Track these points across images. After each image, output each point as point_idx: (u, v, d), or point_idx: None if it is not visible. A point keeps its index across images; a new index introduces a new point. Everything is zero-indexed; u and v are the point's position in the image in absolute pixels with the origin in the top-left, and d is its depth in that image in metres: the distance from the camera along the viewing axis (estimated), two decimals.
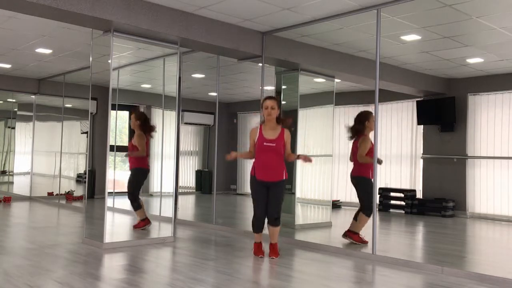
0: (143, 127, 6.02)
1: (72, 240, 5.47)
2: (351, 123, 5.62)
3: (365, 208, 5.38)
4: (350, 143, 5.67)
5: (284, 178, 4.70)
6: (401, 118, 9.39)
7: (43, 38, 6.56)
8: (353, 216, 5.53)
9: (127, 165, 6.28)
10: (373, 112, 5.20)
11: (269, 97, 4.79)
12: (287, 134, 4.72)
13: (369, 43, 5.74)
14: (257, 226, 4.77)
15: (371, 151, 5.28)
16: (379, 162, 5.38)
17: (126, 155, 6.10)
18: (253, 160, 4.80)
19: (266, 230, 4.86)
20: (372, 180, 5.16)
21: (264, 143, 4.64)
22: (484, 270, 4.28)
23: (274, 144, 4.63)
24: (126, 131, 7.29)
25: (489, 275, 4.03)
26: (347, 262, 4.70)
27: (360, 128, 5.49)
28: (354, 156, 5.52)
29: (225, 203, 10.19)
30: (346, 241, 5.49)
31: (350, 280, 4.08)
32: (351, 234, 5.46)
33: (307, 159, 4.68)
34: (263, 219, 4.75)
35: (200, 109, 11.34)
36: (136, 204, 6.01)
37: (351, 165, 5.62)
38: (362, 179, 5.40)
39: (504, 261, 5.16)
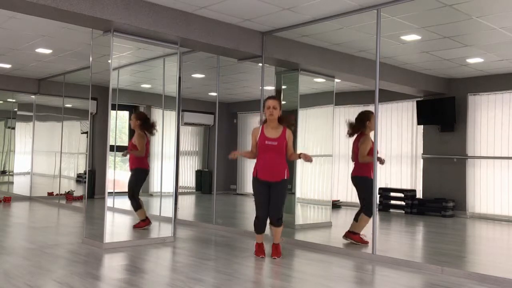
0: (143, 127, 6.02)
1: (72, 240, 5.47)
2: (352, 119, 5.61)
3: (366, 209, 5.38)
4: (350, 143, 5.66)
5: (285, 177, 4.71)
6: (401, 118, 9.39)
7: (43, 38, 6.56)
8: (353, 217, 5.52)
9: (127, 165, 6.27)
10: (373, 112, 5.20)
11: (271, 97, 4.81)
12: (289, 134, 4.74)
13: (369, 43, 5.74)
14: (259, 228, 4.78)
15: (372, 151, 5.28)
16: (382, 162, 5.37)
17: (123, 154, 6.05)
18: (255, 160, 4.80)
19: (267, 231, 4.86)
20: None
21: (266, 142, 4.66)
22: (484, 270, 4.28)
23: (276, 143, 4.65)
24: (126, 131, 7.28)
25: (489, 275, 4.03)
26: (347, 262, 4.70)
27: (361, 127, 5.48)
28: (355, 156, 5.51)
29: (225, 203, 10.19)
30: (347, 242, 5.48)
31: (350, 280, 4.08)
32: (351, 234, 5.46)
33: (307, 158, 4.69)
34: (265, 220, 4.75)
35: (200, 109, 11.34)
36: (136, 205, 6.02)
37: (351, 165, 5.61)
38: (363, 179, 5.38)
39: (504, 261, 5.15)
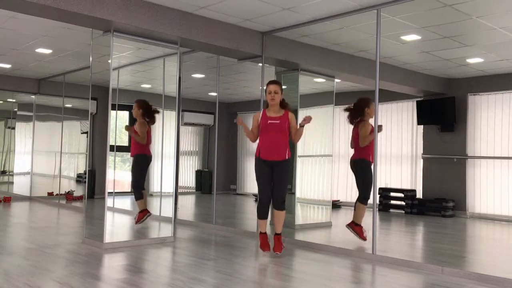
0: (145, 115, 6.03)
1: (72, 240, 5.47)
2: (351, 107, 5.58)
3: (361, 196, 5.38)
4: (350, 143, 5.65)
5: (287, 157, 4.74)
6: (401, 118, 9.39)
7: (43, 38, 6.56)
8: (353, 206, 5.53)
9: (127, 165, 6.27)
10: (372, 99, 5.18)
11: (272, 82, 4.89)
12: (291, 115, 4.82)
13: (369, 43, 5.74)
14: (262, 212, 4.81)
15: (372, 133, 5.26)
16: (380, 129, 5.27)
17: (125, 127, 6.08)
18: (257, 142, 4.87)
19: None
20: (372, 164, 5.10)
21: (269, 121, 4.74)
22: (484, 270, 4.28)
23: (278, 121, 4.72)
24: (126, 131, 7.28)
25: (489, 275, 4.03)
26: (347, 262, 4.70)
27: (360, 115, 5.46)
28: (355, 142, 5.49)
29: (225, 203, 10.19)
30: (346, 237, 5.48)
31: (350, 280, 4.08)
32: (354, 225, 5.46)
33: (308, 119, 4.69)
34: (268, 203, 4.81)
35: (200, 109, 11.34)
36: (138, 194, 6.01)
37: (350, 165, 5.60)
38: (362, 161, 5.36)
39: (504, 261, 5.15)
